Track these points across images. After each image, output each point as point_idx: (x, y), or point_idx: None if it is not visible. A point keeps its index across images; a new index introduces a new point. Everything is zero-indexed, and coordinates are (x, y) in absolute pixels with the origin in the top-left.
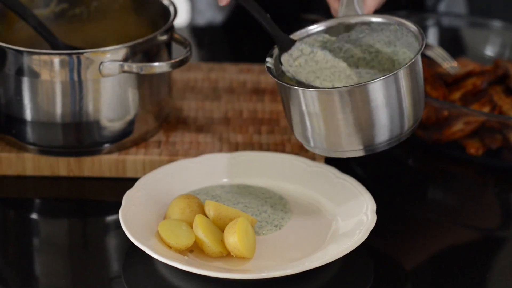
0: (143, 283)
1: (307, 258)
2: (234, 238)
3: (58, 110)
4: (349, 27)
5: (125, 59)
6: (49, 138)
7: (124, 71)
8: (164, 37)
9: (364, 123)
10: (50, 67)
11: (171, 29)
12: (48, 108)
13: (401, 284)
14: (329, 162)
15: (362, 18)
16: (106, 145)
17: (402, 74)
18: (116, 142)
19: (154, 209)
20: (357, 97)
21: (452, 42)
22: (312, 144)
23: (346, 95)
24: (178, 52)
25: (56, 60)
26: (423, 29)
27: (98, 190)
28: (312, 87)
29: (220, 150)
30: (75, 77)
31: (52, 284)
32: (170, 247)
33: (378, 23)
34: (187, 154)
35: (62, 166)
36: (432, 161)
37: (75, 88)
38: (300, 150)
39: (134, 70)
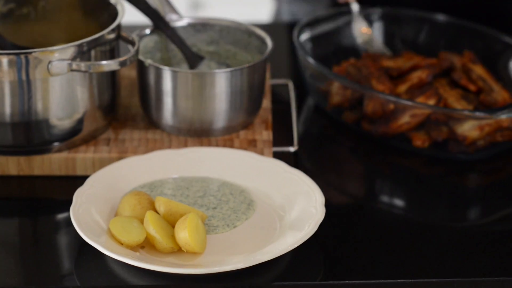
0: (95, 279)
1: (258, 252)
2: (184, 234)
3: (7, 109)
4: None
5: (73, 58)
6: None
7: (72, 70)
8: (111, 36)
9: None
10: None
11: (118, 28)
12: None
13: (351, 276)
14: (277, 157)
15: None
16: (56, 144)
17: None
18: (65, 141)
19: (105, 206)
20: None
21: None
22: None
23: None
24: (125, 50)
25: (4, 60)
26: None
27: (48, 189)
28: None
29: (169, 147)
30: (24, 77)
31: (4, 283)
32: (122, 244)
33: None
34: (136, 151)
35: (12, 165)
36: (379, 154)
37: (24, 88)
38: (249, 145)
39: (83, 68)
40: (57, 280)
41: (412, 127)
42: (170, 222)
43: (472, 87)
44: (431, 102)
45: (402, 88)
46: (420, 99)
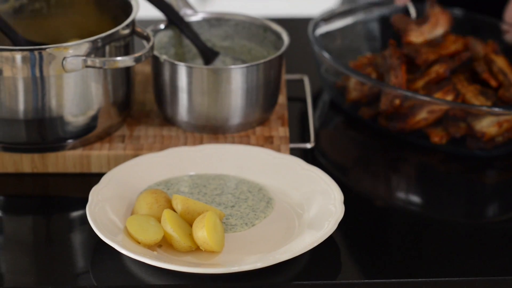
0: (112, 279)
1: (276, 251)
2: (203, 232)
3: (21, 106)
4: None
5: (88, 54)
6: (12, 134)
7: (87, 66)
8: (126, 31)
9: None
10: (12, 64)
11: (133, 23)
12: (11, 105)
13: (371, 274)
14: (294, 153)
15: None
16: (70, 141)
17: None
18: (80, 138)
19: (121, 204)
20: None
21: None
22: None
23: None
24: (139, 45)
25: (18, 56)
26: None
27: (63, 186)
28: None
29: (185, 144)
30: (38, 73)
31: (18, 281)
32: (139, 243)
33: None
34: (151, 148)
35: (26, 163)
36: (396, 150)
37: (38, 84)
38: (265, 142)
39: (97, 65)
40: (73, 279)
41: (429, 123)
42: (188, 220)
43: (493, 83)
44: (449, 97)
45: (420, 83)
46: (438, 95)
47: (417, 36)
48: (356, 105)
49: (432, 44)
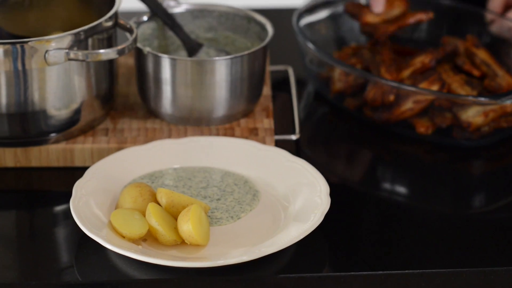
0: (96, 274)
1: (262, 244)
2: (188, 226)
3: (3, 100)
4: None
5: (71, 47)
6: None
7: (70, 59)
8: (109, 23)
9: None
10: None
11: (115, 15)
12: None
13: (357, 267)
14: (279, 145)
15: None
16: (53, 135)
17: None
18: (63, 131)
19: (105, 198)
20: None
21: None
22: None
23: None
24: (122, 37)
25: (0, 49)
26: None
27: (46, 181)
28: None
29: (169, 136)
30: (20, 67)
31: (1, 277)
32: (123, 237)
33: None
34: (135, 141)
35: (9, 157)
36: (382, 141)
37: (20, 78)
38: (250, 134)
39: (80, 57)
40: (57, 274)
41: (415, 114)
42: (173, 214)
43: (476, 72)
44: (435, 87)
45: (405, 73)
46: (423, 85)
47: (373, 17)
48: (341, 96)
49: (389, 21)
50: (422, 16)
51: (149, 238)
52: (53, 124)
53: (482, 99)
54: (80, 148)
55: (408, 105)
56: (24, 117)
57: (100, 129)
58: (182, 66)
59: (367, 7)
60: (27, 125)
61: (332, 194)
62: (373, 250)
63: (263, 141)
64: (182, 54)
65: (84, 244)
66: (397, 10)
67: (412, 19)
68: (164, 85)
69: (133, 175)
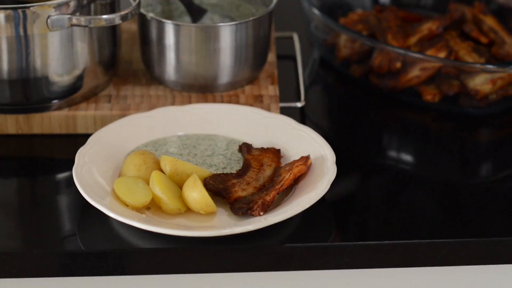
0: (99, 243)
1: (268, 213)
2: (195, 194)
3: (5, 66)
4: None
5: (73, 12)
6: None
7: (72, 25)
8: None
9: None
10: None
11: None
12: None
13: (363, 236)
14: (284, 112)
15: None
16: (55, 101)
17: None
18: (65, 98)
19: (108, 166)
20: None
21: None
22: None
23: None
24: (125, 3)
25: (1, 15)
26: None
27: (48, 148)
28: None
29: (173, 103)
30: (21, 32)
31: (3, 246)
32: (127, 205)
33: None
34: (138, 108)
35: (11, 124)
36: (388, 108)
37: (22, 44)
38: (255, 101)
39: (83, 23)
40: (60, 243)
41: (422, 81)
42: (177, 182)
43: (483, 39)
44: (442, 54)
45: (412, 40)
46: (430, 52)
47: None
48: (347, 63)
49: None
50: None
51: (153, 206)
52: (55, 90)
53: (489, 66)
54: (83, 115)
55: (414, 73)
56: (26, 84)
57: (103, 96)
58: (186, 32)
59: None
60: (29, 92)
61: (338, 163)
62: (380, 220)
63: (268, 109)
64: (186, 20)
65: (87, 213)
66: None
67: None
68: (167, 52)
69: (137, 142)
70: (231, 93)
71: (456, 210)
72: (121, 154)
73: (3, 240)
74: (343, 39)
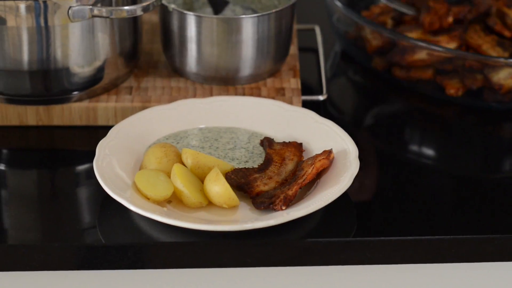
0: (120, 236)
1: (290, 208)
2: (218, 187)
3: (25, 57)
4: None
5: (95, 3)
6: (16, 86)
7: (93, 16)
8: None
9: None
10: (16, 13)
11: None
12: (15, 56)
13: (386, 232)
14: (306, 106)
15: None
16: (76, 93)
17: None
18: (86, 89)
19: (129, 159)
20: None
21: None
22: None
23: None
24: None
25: (22, 5)
26: None
27: (69, 139)
28: None
29: (194, 96)
30: (42, 23)
31: (22, 237)
32: (148, 199)
33: None
34: (160, 100)
35: (31, 115)
36: (411, 102)
37: (43, 34)
38: (277, 94)
39: (104, 14)
40: (79, 236)
41: (426, 65)
42: (198, 175)
43: (507, 33)
44: (453, 44)
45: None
46: (443, 38)
47: None
48: (369, 56)
49: None
50: None
51: (174, 200)
52: (76, 82)
53: None
54: (104, 106)
55: (421, 56)
56: (47, 75)
57: (123, 88)
58: (208, 24)
59: None
60: (50, 83)
61: (360, 157)
62: (402, 215)
63: (290, 102)
64: (208, 12)
65: (107, 205)
66: None
67: None
68: (189, 43)
69: (158, 135)
70: (253, 85)
71: (479, 206)
72: (142, 146)
73: (23, 233)
74: (368, 31)
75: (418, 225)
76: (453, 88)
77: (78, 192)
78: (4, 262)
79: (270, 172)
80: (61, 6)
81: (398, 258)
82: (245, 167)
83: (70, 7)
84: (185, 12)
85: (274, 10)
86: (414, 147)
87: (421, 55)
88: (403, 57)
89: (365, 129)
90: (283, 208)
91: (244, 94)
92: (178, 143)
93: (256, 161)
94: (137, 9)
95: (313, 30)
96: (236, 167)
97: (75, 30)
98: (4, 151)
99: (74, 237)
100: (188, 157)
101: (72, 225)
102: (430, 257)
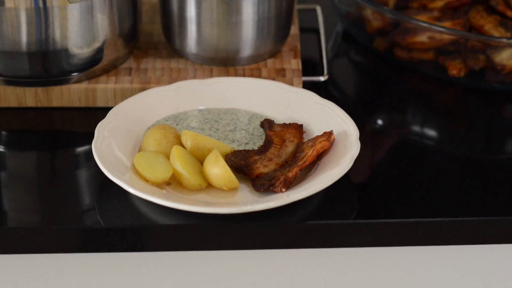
0: (119, 218)
1: (290, 190)
2: (218, 169)
3: (24, 38)
4: None
5: None
6: (15, 67)
7: None
8: None
9: None
10: None
11: None
12: (13, 37)
13: (387, 213)
14: (306, 87)
15: None
16: (75, 74)
17: None
18: (85, 71)
19: (128, 141)
20: None
21: None
22: None
23: None
24: None
25: None
26: None
27: (68, 121)
28: None
29: (194, 76)
30: (41, 4)
31: (22, 219)
32: (147, 181)
33: None
34: (159, 82)
35: (30, 97)
36: (413, 83)
37: (41, 15)
38: (277, 75)
39: None
40: (78, 219)
41: (426, 48)
42: (198, 157)
43: (510, 13)
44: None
45: (438, 3)
46: (447, 24)
47: None
48: (371, 37)
49: None
50: None
51: (174, 182)
52: (75, 63)
53: None
54: (103, 88)
55: (422, 38)
56: (45, 56)
57: (123, 69)
58: (207, 4)
59: None
60: (48, 64)
61: (361, 138)
62: (403, 197)
63: (291, 82)
64: None
65: (106, 188)
66: None
67: None
68: (189, 24)
69: (157, 116)
70: (253, 66)
71: (481, 187)
72: (142, 128)
73: (21, 215)
74: (369, 11)
75: (419, 207)
76: (455, 69)
77: (77, 174)
78: (3, 245)
79: (270, 154)
80: None
81: (399, 241)
82: (245, 149)
83: None
84: None
85: None
86: (415, 128)
87: (422, 37)
88: (404, 38)
89: (366, 110)
90: (283, 190)
91: (244, 75)
92: (177, 124)
93: (256, 143)
94: None
95: (314, 10)
96: (236, 149)
97: (74, 11)
98: (3, 133)
99: (73, 220)
100: (188, 139)
101: (71, 208)
102: (432, 239)
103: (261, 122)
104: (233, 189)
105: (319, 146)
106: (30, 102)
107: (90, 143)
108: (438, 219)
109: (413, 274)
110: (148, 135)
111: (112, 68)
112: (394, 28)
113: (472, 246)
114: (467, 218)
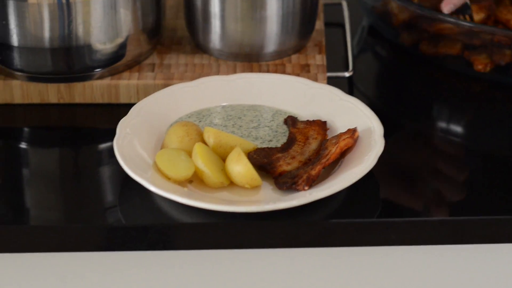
0: (140, 217)
1: (313, 188)
2: (240, 167)
3: (46, 34)
4: None
5: None
6: (37, 64)
7: None
8: None
9: None
10: None
11: None
12: (36, 33)
13: (412, 211)
14: (331, 82)
15: None
16: (98, 70)
17: None
18: (108, 67)
19: (150, 138)
20: None
21: None
22: None
23: None
24: None
25: None
26: None
27: (90, 117)
28: None
29: (217, 72)
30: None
31: (43, 217)
32: (169, 179)
33: None
34: (182, 78)
35: (52, 93)
36: (439, 78)
37: (64, 11)
38: (301, 71)
39: None
40: (100, 216)
41: (453, 34)
42: (220, 154)
43: None
44: (481, 14)
45: None
46: (473, 7)
47: None
48: (397, 31)
49: None
50: None
51: (196, 179)
52: (98, 59)
53: None
54: (126, 84)
55: (449, 25)
56: (68, 52)
57: (146, 65)
58: None
59: None
60: (71, 60)
61: (386, 135)
62: (429, 195)
63: (315, 78)
64: None
65: (128, 186)
66: None
67: None
68: (213, 19)
69: (180, 113)
70: (277, 62)
71: (508, 185)
72: (164, 125)
73: (43, 211)
74: (395, 5)
75: (445, 205)
76: (481, 64)
77: (99, 172)
78: (24, 244)
79: (293, 152)
80: None
81: (423, 239)
82: (267, 147)
83: None
84: None
85: None
86: (441, 125)
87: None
88: (430, 25)
89: (391, 107)
90: (306, 188)
91: (268, 71)
92: (200, 121)
93: (280, 140)
94: None
95: (339, 5)
96: (259, 147)
97: (97, 6)
98: (25, 129)
99: (95, 218)
100: (210, 136)
101: (93, 206)
102: (456, 238)
103: (285, 119)
104: (255, 187)
105: (342, 144)
106: (52, 99)
107: (113, 140)
108: (464, 217)
109: (437, 273)
110: (171, 132)
111: (135, 64)
112: (421, 20)
113: (498, 245)
114: (493, 216)
